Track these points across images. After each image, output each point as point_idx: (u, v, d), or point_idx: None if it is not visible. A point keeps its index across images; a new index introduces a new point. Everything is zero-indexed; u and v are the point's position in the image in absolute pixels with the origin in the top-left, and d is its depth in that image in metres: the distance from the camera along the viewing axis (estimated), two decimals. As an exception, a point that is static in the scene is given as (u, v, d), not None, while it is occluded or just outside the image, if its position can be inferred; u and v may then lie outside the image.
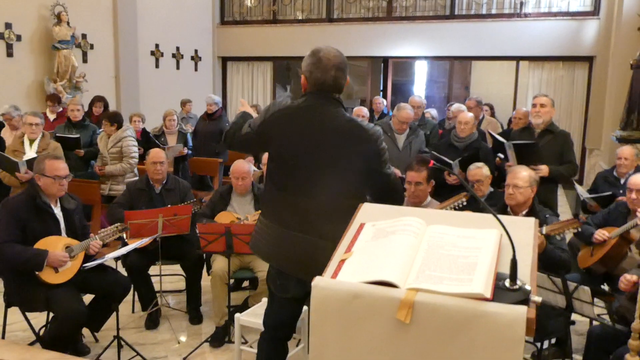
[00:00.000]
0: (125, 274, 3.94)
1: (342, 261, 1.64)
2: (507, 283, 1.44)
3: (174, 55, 11.27)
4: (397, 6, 10.95)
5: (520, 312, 1.35)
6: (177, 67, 11.41)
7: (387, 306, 1.45)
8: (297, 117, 2.25)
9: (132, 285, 3.94)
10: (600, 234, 3.60)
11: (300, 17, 11.75)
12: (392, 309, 1.44)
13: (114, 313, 3.44)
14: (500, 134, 6.08)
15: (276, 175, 2.32)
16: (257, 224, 2.38)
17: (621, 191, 4.48)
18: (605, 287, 2.83)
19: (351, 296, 1.48)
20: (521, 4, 9.94)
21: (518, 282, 1.44)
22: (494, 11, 10.30)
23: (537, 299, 1.41)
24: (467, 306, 1.39)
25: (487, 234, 1.63)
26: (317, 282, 1.54)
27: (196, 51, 11.82)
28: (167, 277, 4.65)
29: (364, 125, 2.22)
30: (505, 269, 1.52)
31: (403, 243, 1.61)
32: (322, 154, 2.17)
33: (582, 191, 4.84)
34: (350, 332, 1.49)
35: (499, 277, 1.47)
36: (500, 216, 1.56)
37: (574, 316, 2.98)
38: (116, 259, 3.56)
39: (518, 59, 10.32)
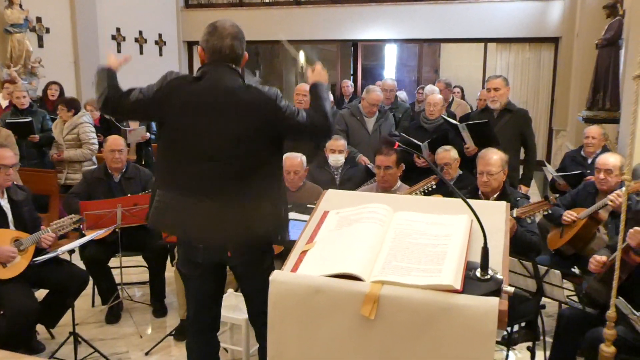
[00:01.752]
0: (83, 267, 3.76)
1: (304, 253, 1.52)
2: (478, 273, 1.35)
3: (136, 40, 10.88)
4: (365, -12, 10.78)
5: (492, 304, 1.26)
6: (141, 52, 11.02)
7: (351, 301, 1.34)
8: (195, 85, 2.18)
9: (91, 279, 3.78)
10: (569, 215, 3.57)
11: (267, 0, 11.48)
12: (356, 304, 1.34)
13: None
14: (464, 116, 6.06)
15: (172, 142, 2.21)
16: (154, 199, 2.25)
17: (588, 171, 4.48)
18: (576, 270, 2.79)
19: (312, 291, 1.37)
20: (488, -15, 9.89)
21: (489, 272, 1.35)
22: (461, -7, 10.23)
23: (509, 289, 1.33)
24: (435, 299, 1.30)
25: (456, 220, 1.54)
26: (276, 276, 1.42)
27: (160, 35, 11.44)
28: (131, 269, 4.48)
29: (260, 88, 2.19)
30: (476, 257, 1.43)
31: (368, 232, 1.50)
32: (221, 118, 2.12)
33: (551, 170, 4.84)
34: (311, 330, 1.38)
35: (469, 267, 1.38)
36: (470, 201, 1.47)
37: (544, 300, 2.93)
38: (71, 251, 3.37)
39: (486, 40, 10.30)
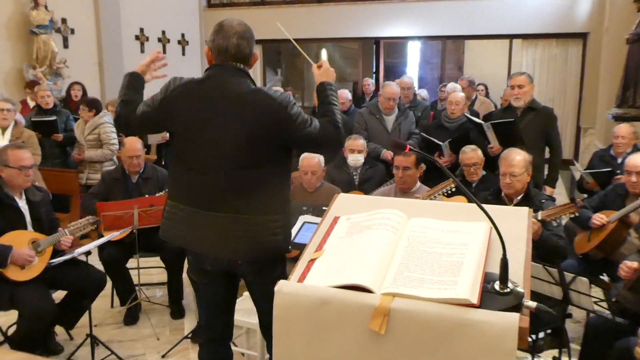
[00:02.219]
0: (101, 268, 3.76)
1: (312, 261, 1.45)
2: (496, 286, 1.26)
3: (159, 40, 10.95)
4: (388, -15, 10.65)
5: (512, 321, 1.17)
6: (164, 52, 11.07)
7: (360, 314, 1.27)
8: (199, 90, 2.09)
9: (109, 280, 3.77)
10: (599, 218, 3.42)
11: (289, -1, 11.44)
12: (364, 318, 1.26)
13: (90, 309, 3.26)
14: (487, 114, 5.91)
15: (181, 153, 2.14)
16: (165, 209, 2.20)
17: (618, 171, 4.31)
18: (605, 277, 2.66)
19: (319, 303, 1.30)
20: (514, -20, 9.67)
21: (509, 285, 1.25)
22: (486, -12, 10.03)
23: (530, 304, 1.23)
24: (450, 314, 1.21)
25: (474, 227, 1.45)
26: (281, 286, 1.35)
27: (183, 35, 11.50)
28: (149, 270, 4.47)
29: (271, 93, 2.05)
30: (495, 268, 1.34)
31: (380, 240, 1.42)
32: (229, 126, 2.01)
33: (579, 167, 4.67)
34: (317, 343, 1.31)
35: (487, 279, 1.29)
36: (489, 207, 1.38)
37: (570, 307, 2.81)
38: (88, 253, 3.36)
39: (511, 37, 10.07)
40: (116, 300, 4.09)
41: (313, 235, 1.57)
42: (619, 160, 4.50)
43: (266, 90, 2.07)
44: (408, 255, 1.38)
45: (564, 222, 3.44)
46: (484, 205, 1.32)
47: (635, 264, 2.76)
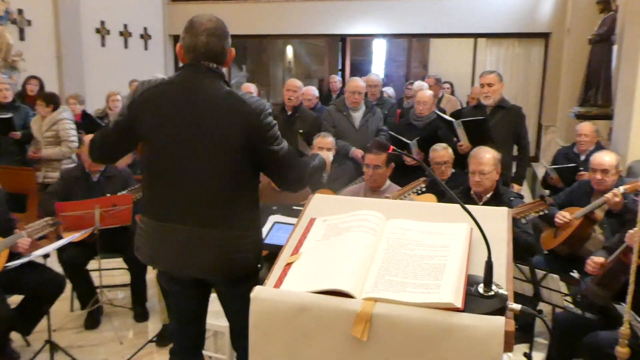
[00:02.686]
0: (60, 270, 3.60)
1: (288, 265, 1.39)
2: (480, 289, 1.23)
3: (121, 34, 10.64)
4: (354, -18, 10.63)
5: (498, 325, 1.14)
6: (126, 46, 10.78)
7: (341, 320, 1.21)
8: (169, 93, 1.96)
9: (69, 283, 3.62)
10: (561, 217, 3.47)
11: (255, -6, 11.29)
12: (346, 324, 1.21)
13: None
14: (456, 112, 5.95)
15: (148, 160, 2.03)
16: (137, 226, 2.09)
17: (581, 168, 4.39)
18: (575, 274, 2.69)
19: (297, 309, 1.24)
20: (478, -21, 9.79)
21: (493, 287, 1.22)
22: (451, -13, 10.13)
23: (515, 306, 1.20)
24: (434, 319, 1.17)
25: (455, 228, 1.41)
26: (257, 292, 1.29)
27: (145, 29, 11.21)
28: (111, 271, 4.32)
29: (246, 98, 1.95)
30: (477, 271, 1.31)
31: (359, 243, 1.37)
32: (198, 132, 1.90)
33: (545, 164, 4.76)
34: (296, 352, 1.25)
35: (470, 282, 1.26)
36: (469, 207, 1.34)
37: (541, 304, 2.83)
38: (46, 255, 3.21)
39: (476, 36, 10.21)
40: (76, 303, 3.93)
41: (289, 238, 1.51)
42: (582, 158, 4.60)
43: (240, 95, 1.95)
44: (388, 259, 1.33)
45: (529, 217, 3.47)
46: (468, 207, 1.28)
47: (601, 260, 2.81)
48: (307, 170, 2.04)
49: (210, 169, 1.91)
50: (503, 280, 1.29)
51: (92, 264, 3.80)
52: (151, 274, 3.92)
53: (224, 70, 2.08)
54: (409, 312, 1.18)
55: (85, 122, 6.19)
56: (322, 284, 1.26)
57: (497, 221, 1.48)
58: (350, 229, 1.43)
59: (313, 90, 5.79)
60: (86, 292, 3.78)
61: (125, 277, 4.18)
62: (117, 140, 2.09)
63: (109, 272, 4.25)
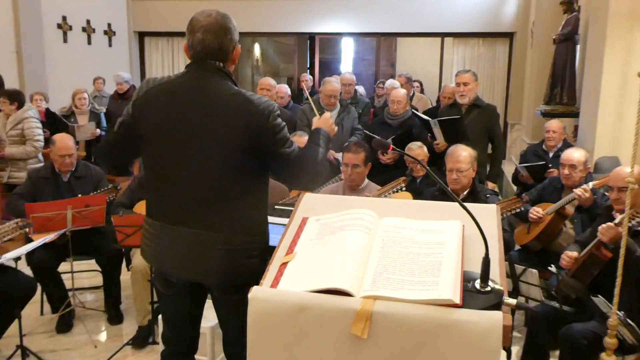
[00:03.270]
0: (30, 273, 3.49)
1: (284, 265, 1.38)
2: (477, 284, 1.25)
3: (84, 29, 10.35)
4: (322, -19, 10.64)
5: (496, 320, 1.16)
6: (89, 42, 10.49)
7: (340, 319, 1.22)
8: (173, 92, 1.91)
9: (40, 286, 3.52)
10: (535, 212, 3.56)
11: (222, -10, 11.17)
12: (346, 322, 1.21)
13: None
14: (428, 111, 6.03)
15: (151, 161, 1.96)
16: (143, 227, 2.04)
17: (550, 165, 4.51)
18: (553, 268, 2.76)
19: (296, 309, 1.24)
20: (445, -21, 9.93)
21: (490, 283, 1.24)
22: (418, -14, 10.24)
23: (511, 301, 1.23)
24: (434, 315, 1.18)
25: (448, 225, 1.43)
26: (255, 293, 1.28)
27: (109, 25, 10.93)
28: (83, 274, 4.21)
29: (254, 99, 1.88)
30: (471, 267, 1.33)
31: (354, 241, 1.38)
32: (203, 132, 1.84)
33: (515, 161, 4.87)
34: (296, 352, 1.25)
35: (466, 278, 1.27)
36: (453, 204, 1.36)
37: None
38: (16, 258, 3.11)
39: (443, 35, 10.35)
40: (47, 307, 3.82)
41: (282, 237, 1.50)
42: (551, 154, 4.72)
43: (249, 95, 1.88)
44: (384, 257, 1.34)
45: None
46: (452, 204, 1.30)
47: (575, 254, 2.89)
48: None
49: (214, 170, 1.85)
50: (497, 276, 1.32)
51: (63, 266, 3.70)
52: (125, 275, 3.84)
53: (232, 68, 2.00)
54: (409, 309, 1.19)
55: (49, 121, 6.03)
56: (320, 283, 1.26)
57: (487, 218, 1.51)
58: (345, 228, 1.43)
59: (286, 89, 5.77)
60: (57, 295, 3.68)
61: (97, 279, 4.09)
62: (123, 143, 2.02)
63: (81, 274, 4.15)
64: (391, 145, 1.49)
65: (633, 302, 2.36)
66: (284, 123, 1.93)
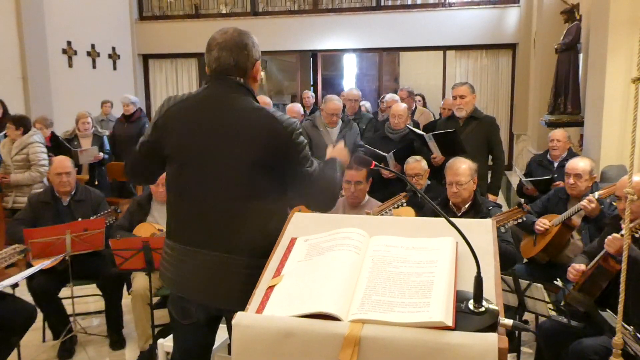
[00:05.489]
0: (30, 299, 3.45)
1: (270, 288, 1.33)
2: (470, 305, 1.19)
3: (89, 54, 10.48)
4: (323, -1, 10.72)
5: (491, 342, 1.10)
6: (94, 66, 10.62)
7: (327, 345, 1.16)
8: (195, 109, 1.88)
9: (40, 312, 3.48)
10: (541, 223, 3.49)
11: (224, 11, 11.27)
12: (333, 348, 1.16)
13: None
14: (429, 124, 5.99)
15: (173, 180, 1.90)
16: (163, 250, 1.98)
17: (556, 175, 4.44)
18: (559, 282, 2.68)
19: (282, 335, 1.18)
20: (445, -7, 9.97)
21: (484, 303, 1.18)
22: (419, 1, 10.27)
23: (507, 322, 1.17)
24: (425, 338, 1.13)
25: (440, 243, 1.38)
26: (240, 319, 1.23)
27: (114, 49, 11.06)
28: (84, 298, 4.17)
29: (277, 115, 1.85)
30: (465, 286, 1.27)
31: (343, 262, 1.33)
32: (225, 150, 1.80)
33: (520, 174, 4.80)
34: (283, 380, 1.19)
35: (459, 298, 1.22)
36: (454, 220, 1.31)
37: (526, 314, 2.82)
38: (13, 285, 3.08)
39: (445, 48, 10.35)
40: (48, 333, 3.77)
41: (269, 259, 1.46)
42: (556, 164, 4.65)
43: (272, 112, 1.85)
44: (374, 277, 1.29)
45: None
46: (453, 220, 1.25)
47: (582, 267, 2.81)
48: (337, 188, 1.94)
49: (237, 188, 1.80)
50: (492, 295, 1.26)
51: (64, 292, 3.66)
52: (126, 299, 3.79)
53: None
54: (399, 332, 1.14)
55: (54, 145, 6.05)
56: (306, 308, 1.20)
57: (482, 233, 1.46)
58: (333, 248, 1.38)
59: (298, 107, 5.76)
60: (59, 321, 3.63)
61: (99, 303, 4.05)
62: (146, 162, 1.99)
63: (82, 299, 4.11)
64: (373, 162, 1.44)
65: (643, 315, 2.28)
66: (306, 141, 1.91)
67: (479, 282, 1.17)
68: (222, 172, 1.80)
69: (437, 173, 4.12)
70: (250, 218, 1.79)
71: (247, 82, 1.91)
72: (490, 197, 4.24)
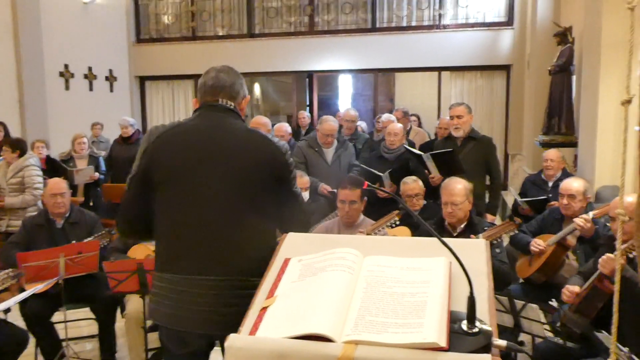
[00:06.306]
0: (22, 324, 3.42)
1: (264, 309, 1.32)
2: (464, 325, 1.18)
3: (86, 76, 10.54)
4: (319, 20, 10.83)
5: (484, 364, 1.09)
6: (90, 89, 10.67)
7: (321, 367, 1.15)
8: (187, 133, 1.89)
9: (32, 337, 3.43)
10: (536, 244, 3.48)
11: (220, 33, 11.38)
12: (327, 370, 1.14)
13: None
14: (425, 144, 6.02)
15: (165, 207, 1.85)
16: (153, 284, 1.91)
17: (550, 195, 4.45)
18: (554, 303, 2.67)
19: (275, 356, 1.17)
20: (440, 15, 10.09)
21: (477, 323, 1.18)
22: (414, 23, 10.39)
23: (500, 343, 1.16)
24: (419, 359, 1.12)
25: (434, 263, 1.38)
26: (232, 341, 1.22)
27: (111, 71, 11.13)
28: (77, 322, 4.12)
29: (269, 136, 1.92)
30: (459, 306, 1.27)
31: (336, 282, 1.32)
32: (221, 171, 1.80)
33: (515, 194, 4.81)
34: (275, 403, 1.18)
35: (453, 318, 1.21)
36: (447, 240, 1.31)
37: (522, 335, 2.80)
38: (5, 310, 3.04)
39: (440, 69, 10.45)
40: (41, 359, 3.71)
41: (262, 280, 1.45)
42: (550, 184, 4.66)
43: (264, 133, 1.91)
44: (368, 298, 1.28)
45: (504, 242, 3.48)
46: (445, 240, 1.25)
47: (576, 288, 2.80)
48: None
49: (235, 211, 1.79)
50: (486, 315, 1.25)
51: (57, 316, 3.62)
52: (120, 322, 3.76)
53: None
54: (393, 353, 1.13)
55: (49, 168, 6.04)
56: (300, 329, 1.20)
57: (476, 253, 1.46)
58: (327, 269, 1.38)
59: (286, 127, 5.78)
60: (51, 346, 3.59)
61: (92, 327, 3.99)
62: (139, 201, 1.91)
63: (75, 323, 4.06)
64: (366, 182, 1.45)
65: (638, 336, 2.27)
66: (294, 164, 1.96)
67: (471, 302, 1.17)
68: (218, 195, 1.79)
69: (432, 193, 4.13)
70: (251, 239, 1.79)
71: (237, 105, 1.96)
72: (489, 217, 4.25)
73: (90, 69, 10.58)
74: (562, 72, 5.84)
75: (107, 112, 10.15)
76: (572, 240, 3.42)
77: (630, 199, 2.76)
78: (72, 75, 10.15)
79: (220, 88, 1.93)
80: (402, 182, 4.01)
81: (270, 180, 1.83)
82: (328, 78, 13.23)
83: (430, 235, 1.37)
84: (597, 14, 4.51)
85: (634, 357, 2.01)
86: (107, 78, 11.05)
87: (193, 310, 1.77)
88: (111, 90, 11.17)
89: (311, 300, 1.28)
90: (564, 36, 5.97)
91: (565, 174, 4.57)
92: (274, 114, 14.10)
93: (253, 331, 1.25)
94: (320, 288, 1.32)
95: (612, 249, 2.73)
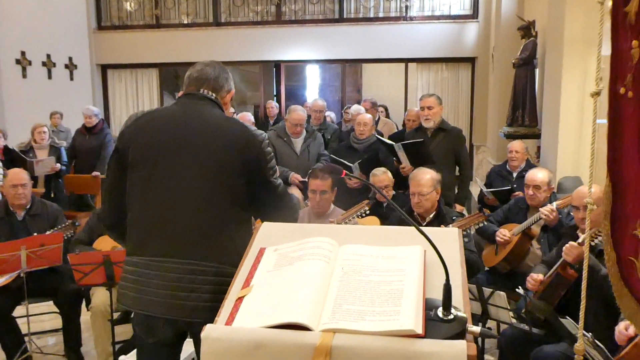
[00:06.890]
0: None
1: (240, 299, 1.31)
2: (439, 312, 1.20)
3: (44, 64, 10.18)
4: (286, 10, 10.75)
5: (460, 349, 1.11)
6: (49, 77, 10.32)
7: (299, 355, 1.15)
8: (162, 119, 1.90)
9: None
10: (502, 235, 3.56)
11: (185, 21, 11.17)
12: (305, 358, 1.14)
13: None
14: (394, 135, 6.07)
15: (142, 191, 1.84)
16: (123, 269, 1.89)
17: (515, 185, 4.56)
18: (521, 290, 2.74)
19: (252, 346, 1.17)
20: (406, 7, 10.16)
21: (452, 310, 1.20)
22: (381, 14, 10.43)
23: (474, 329, 1.18)
24: (396, 347, 1.13)
25: (409, 251, 1.39)
26: (209, 331, 1.20)
27: (70, 59, 10.79)
28: (40, 317, 4.01)
29: (246, 124, 1.94)
30: (433, 294, 1.28)
31: (313, 271, 1.32)
32: (199, 154, 1.81)
33: (481, 185, 4.91)
34: (253, 393, 1.17)
35: (428, 306, 1.23)
36: (423, 229, 1.32)
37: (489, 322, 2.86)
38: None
39: (406, 61, 10.53)
40: (2, 355, 3.60)
41: (238, 270, 1.44)
42: (515, 174, 4.77)
43: (239, 121, 1.93)
44: (344, 287, 1.28)
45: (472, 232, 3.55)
46: (423, 229, 1.26)
47: (540, 276, 2.88)
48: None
49: (209, 194, 1.78)
50: (460, 302, 1.27)
51: (18, 310, 3.51)
52: (85, 315, 3.67)
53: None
54: (370, 341, 1.14)
55: (7, 158, 5.84)
56: (276, 318, 1.19)
57: (449, 242, 1.48)
58: (303, 258, 1.38)
59: (249, 116, 5.74)
60: (13, 342, 3.47)
61: (56, 321, 3.90)
62: (117, 182, 1.90)
63: (37, 317, 3.95)
64: (344, 171, 1.45)
65: (601, 322, 2.35)
66: (272, 153, 1.94)
67: (448, 289, 1.18)
68: (192, 180, 1.79)
69: (401, 183, 4.17)
70: (221, 225, 1.78)
71: (219, 96, 1.98)
72: (458, 207, 4.32)
73: (48, 56, 10.23)
74: (526, 65, 5.96)
75: (67, 101, 9.85)
76: (536, 230, 3.51)
77: (592, 189, 2.85)
78: (30, 63, 9.80)
79: (204, 80, 1.96)
80: (371, 174, 4.03)
81: (244, 167, 1.82)
82: (296, 68, 13.17)
83: (405, 223, 1.39)
84: (561, 8, 4.61)
85: (597, 342, 2.08)
86: (66, 66, 10.70)
87: (156, 294, 1.76)
88: (71, 79, 10.83)
89: (288, 290, 1.28)
90: (527, 30, 6.08)
91: (529, 165, 4.69)
92: (241, 104, 13.94)
93: (229, 321, 1.24)
94: (297, 277, 1.31)
95: (574, 238, 2.82)
